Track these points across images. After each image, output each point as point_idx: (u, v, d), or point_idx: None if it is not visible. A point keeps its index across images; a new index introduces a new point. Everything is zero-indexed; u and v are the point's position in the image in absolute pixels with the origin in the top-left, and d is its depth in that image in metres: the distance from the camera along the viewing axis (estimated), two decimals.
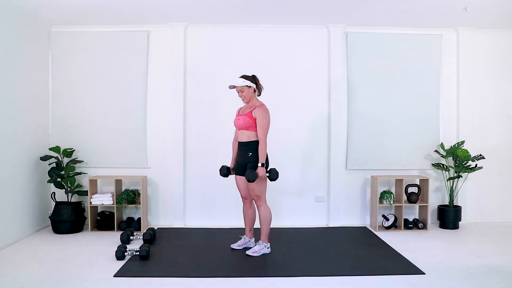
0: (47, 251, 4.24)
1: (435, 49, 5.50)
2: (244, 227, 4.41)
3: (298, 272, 3.67)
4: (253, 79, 4.15)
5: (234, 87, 4.14)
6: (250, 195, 4.17)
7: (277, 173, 4.04)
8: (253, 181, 3.94)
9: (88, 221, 5.14)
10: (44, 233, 4.97)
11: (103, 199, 5.07)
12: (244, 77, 4.12)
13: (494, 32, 5.51)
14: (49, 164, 5.16)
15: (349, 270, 3.72)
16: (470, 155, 5.19)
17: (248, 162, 4.05)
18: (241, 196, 4.30)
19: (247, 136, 4.09)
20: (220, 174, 4.31)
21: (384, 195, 5.21)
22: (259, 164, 3.97)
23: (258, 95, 4.20)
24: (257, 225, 4.30)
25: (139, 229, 5.07)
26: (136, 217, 5.33)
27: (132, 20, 5.17)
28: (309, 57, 5.43)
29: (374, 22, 5.27)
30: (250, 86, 4.10)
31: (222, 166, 4.31)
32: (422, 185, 5.27)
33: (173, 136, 5.36)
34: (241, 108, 4.28)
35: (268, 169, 4.06)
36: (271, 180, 4.05)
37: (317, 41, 5.43)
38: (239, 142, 4.18)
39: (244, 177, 4.07)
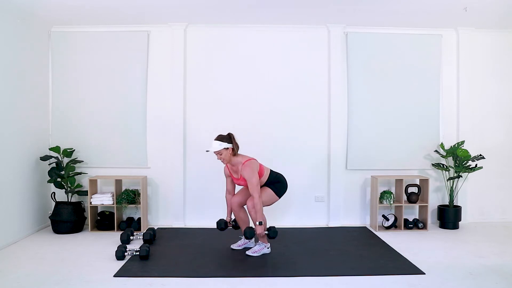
0: (47, 251, 4.24)
1: (435, 49, 5.50)
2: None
3: (298, 272, 3.67)
4: (229, 138, 4.06)
5: (209, 151, 4.08)
6: (243, 199, 4.25)
7: (276, 231, 4.04)
8: (250, 238, 4.12)
9: (88, 221, 5.14)
10: (44, 233, 4.97)
11: (103, 199, 5.07)
12: (220, 138, 4.04)
13: (494, 32, 5.51)
14: (49, 164, 5.16)
15: (349, 270, 3.72)
16: (470, 155, 5.19)
17: (271, 179, 4.17)
18: (232, 200, 4.29)
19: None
20: (217, 228, 4.28)
21: (384, 195, 5.21)
22: (257, 223, 3.96)
23: (234, 155, 4.08)
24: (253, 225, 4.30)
25: (139, 229, 5.08)
26: (136, 217, 5.33)
27: (132, 20, 5.17)
28: (309, 57, 5.43)
29: (374, 22, 5.27)
30: (227, 148, 4.02)
31: (220, 219, 4.30)
32: (422, 185, 5.27)
33: (173, 136, 5.36)
34: (227, 166, 4.23)
35: (268, 227, 4.06)
36: (269, 238, 4.06)
37: (317, 41, 5.43)
38: None
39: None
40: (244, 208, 4.30)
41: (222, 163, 4.13)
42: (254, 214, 3.98)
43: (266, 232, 4.03)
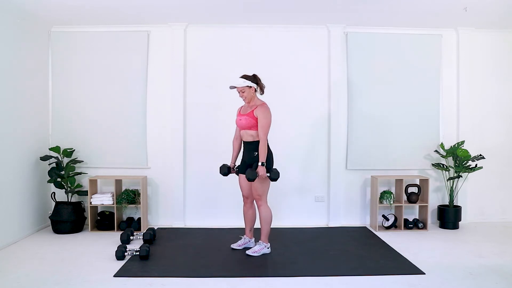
0: (47, 251, 4.24)
1: (435, 49, 5.50)
2: (244, 227, 4.41)
3: (298, 272, 3.67)
4: (254, 78, 4.12)
5: (234, 87, 4.13)
6: (252, 194, 4.17)
7: (278, 173, 4.02)
8: (252, 180, 3.94)
9: (88, 221, 5.14)
10: (44, 233, 4.97)
11: (103, 199, 5.07)
12: (245, 77, 4.10)
13: (494, 32, 5.51)
14: (49, 164, 5.16)
15: (349, 270, 3.72)
16: (470, 155, 5.19)
17: (254, 161, 4.04)
18: (243, 196, 4.29)
19: (251, 136, 4.08)
20: (220, 173, 4.30)
21: (384, 195, 5.21)
22: (259, 163, 3.96)
23: (261, 94, 4.17)
24: (257, 225, 4.30)
25: (139, 229, 5.08)
26: (136, 217, 5.33)
27: (132, 20, 5.17)
28: (309, 57, 5.43)
29: (374, 22, 5.27)
30: (251, 87, 4.08)
31: (223, 165, 4.31)
32: (422, 185, 5.27)
33: (173, 136, 5.36)
34: (242, 107, 4.26)
35: (269, 169, 4.03)
36: (272, 180, 4.03)
37: (317, 41, 5.43)
38: (244, 141, 4.18)
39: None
40: (254, 205, 4.29)
41: (244, 101, 4.15)
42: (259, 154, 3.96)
43: (268, 174, 3.99)
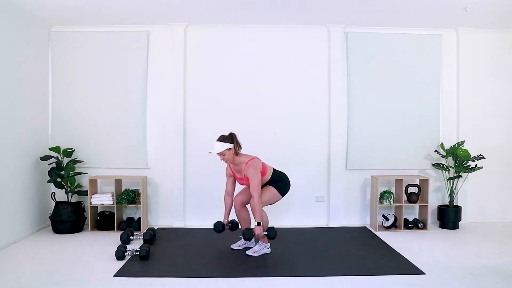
0: (47, 251, 4.24)
1: (435, 49, 5.50)
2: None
3: (298, 272, 3.67)
4: (231, 139, 4.04)
5: (210, 152, 4.09)
6: (246, 198, 4.22)
7: (275, 232, 4.03)
8: (249, 240, 4.07)
9: (88, 221, 5.14)
10: (44, 233, 4.97)
11: (103, 199, 5.07)
12: (222, 139, 4.03)
13: (494, 32, 5.51)
14: (49, 164, 5.16)
15: (349, 270, 3.72)
16: (470, 155, 5.19)
17: (277, 178, 4.17)
18: (234, 197, 4.29)
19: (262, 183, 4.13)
20: (214, 230, 4.26)
21: (384, 195, 5.21)
22: (255, 223, 3.94)
23: (239, 150, 4.09)
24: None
25: (139, 229, 5.08)
26: (136, 217, 5.33)
27: (132, 20, 5.17)
28: (309, 57, 5.43)
29: (374, 22, 5.27)
30: (230, 148, 4.01)
31: (217, 222, 4.28)
32: (422, 185, 5.27)
33: (173, 136, 5.36)
34: (230, 167, 4.22)
35: (267, 228, 4.06)
36: (269, 238, 4.06)
37: (317, 41, 5.43)
38: None
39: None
40: (246, 207, 4.30)
41: (226, 163, 4.13)
42: (253, 214, 3.98)
43: (265, 233, 4.02)
